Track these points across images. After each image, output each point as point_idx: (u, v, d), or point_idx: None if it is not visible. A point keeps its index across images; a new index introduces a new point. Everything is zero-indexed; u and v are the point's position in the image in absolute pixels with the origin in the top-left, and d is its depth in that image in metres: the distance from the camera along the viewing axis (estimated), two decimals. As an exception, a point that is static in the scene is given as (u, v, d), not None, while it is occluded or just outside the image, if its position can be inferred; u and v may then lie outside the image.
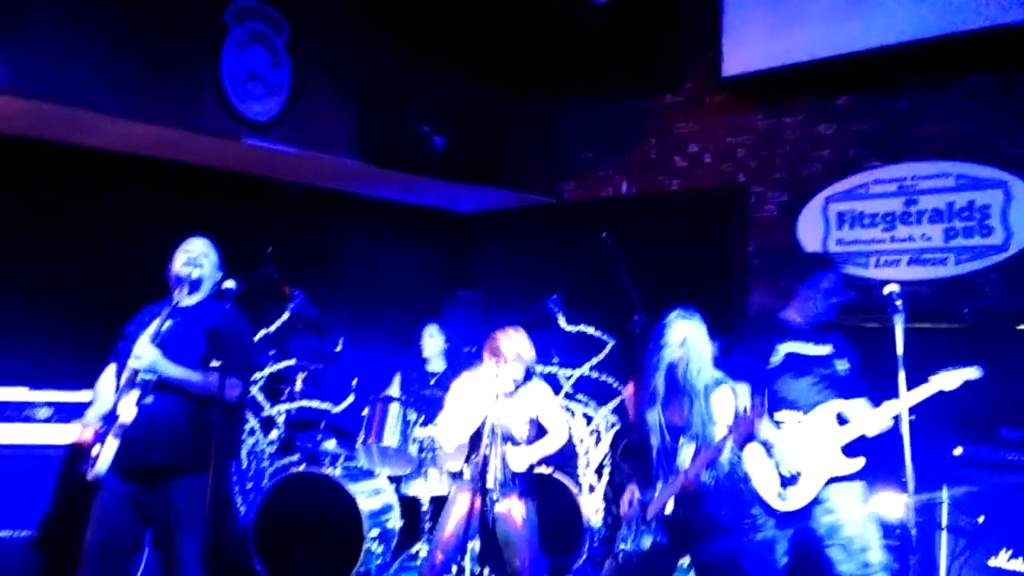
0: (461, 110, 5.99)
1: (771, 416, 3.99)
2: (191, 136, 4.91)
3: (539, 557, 4.01)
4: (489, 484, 3.82)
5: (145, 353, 3.25)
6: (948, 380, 3.77)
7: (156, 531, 3.39)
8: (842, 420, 3.92)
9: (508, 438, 3.89)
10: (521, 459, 3.90)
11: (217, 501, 3.19)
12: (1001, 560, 4.19)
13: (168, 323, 3.36)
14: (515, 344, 3.93)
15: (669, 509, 3.38)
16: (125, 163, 5.29)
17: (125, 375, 3.30)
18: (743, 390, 3.93)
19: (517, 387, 3.93)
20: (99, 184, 5.17)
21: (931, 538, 4.35)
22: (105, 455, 3.21)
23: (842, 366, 4.01)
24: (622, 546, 3.46)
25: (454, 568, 4.39)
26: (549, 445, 4.01)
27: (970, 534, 4.29)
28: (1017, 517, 4.18)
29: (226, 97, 4.91)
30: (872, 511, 3.93)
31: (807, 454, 3.85)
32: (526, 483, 3.97)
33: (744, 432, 3.32)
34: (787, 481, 3.87)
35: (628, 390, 3.87)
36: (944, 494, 4.41)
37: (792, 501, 3.81)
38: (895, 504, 4.03)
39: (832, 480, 3.86)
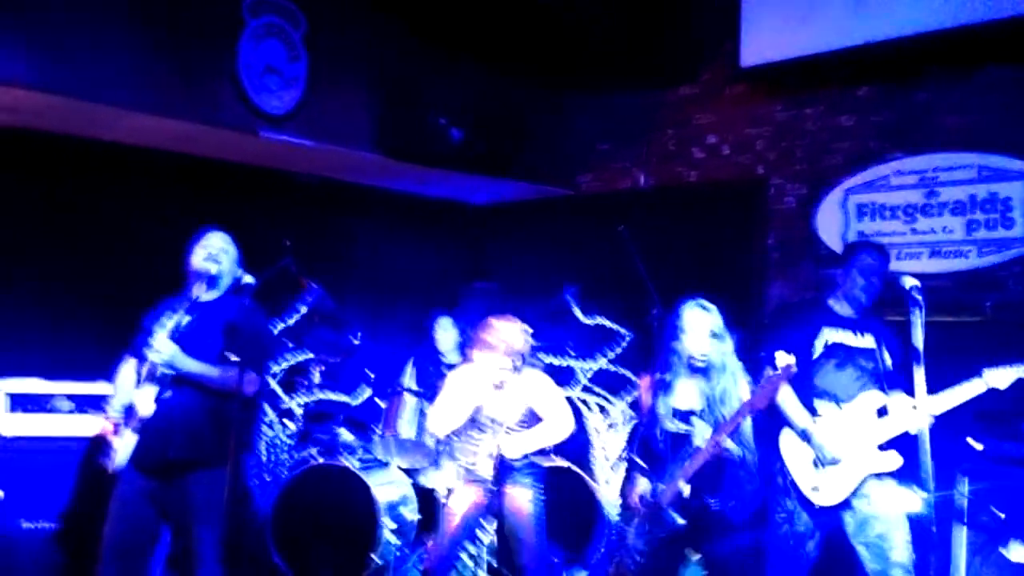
0: (477, 102, 5.97)
1: (810, 406, 3.90)
2: (208, 130, 4.93)
3: (546, 549, 4.01)
4: (487, 475, 3.84)
5: (163, 348, 3.28)
6: (1000, 377, 3.66)
7: (174, 525, 3.42)
8: (881, 414, 3.83)
9: (498, 426, 3.89)
10: (514, 448, 3.89)
11: (235, 495, 3.20)
12: (1021, 554, 4.16)
13: (187, 318, 3.38)
14: (503, 334, 3.91)
15: (687, 491, 3.36)
16: (142, 157, 5.31)
17: (144, 369, 3.32)
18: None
19: (512, 376, 3.91)
20: (116, 178, 5.20)
21: (949, 533, 4.32)
22: (123, 449, 3.25)
23: (885, 359, 3.94)
24: (630, 540, 3.45)
25: (468, 561, 4.39)
26: (545, 434, 4.00)
27: (990, 529, 4.26)
28: (1040, 513, 4.14)
29: (243, 90, 4.91)
30: (905, 510, 3.85)
31: (846, 446, 3.76)
32: (527, 474, 3.97)
33: (769, 393, 3.30)
34: (824, 472, 3.78)
35: (644, 383, 3.85)
36: (964, 489, 4.37)
37: (828, 495, 3.73)
38: (914, 500, 3.98)
39: (869, 476, 3.78)
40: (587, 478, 5.30)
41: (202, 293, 3.47)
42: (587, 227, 6.36)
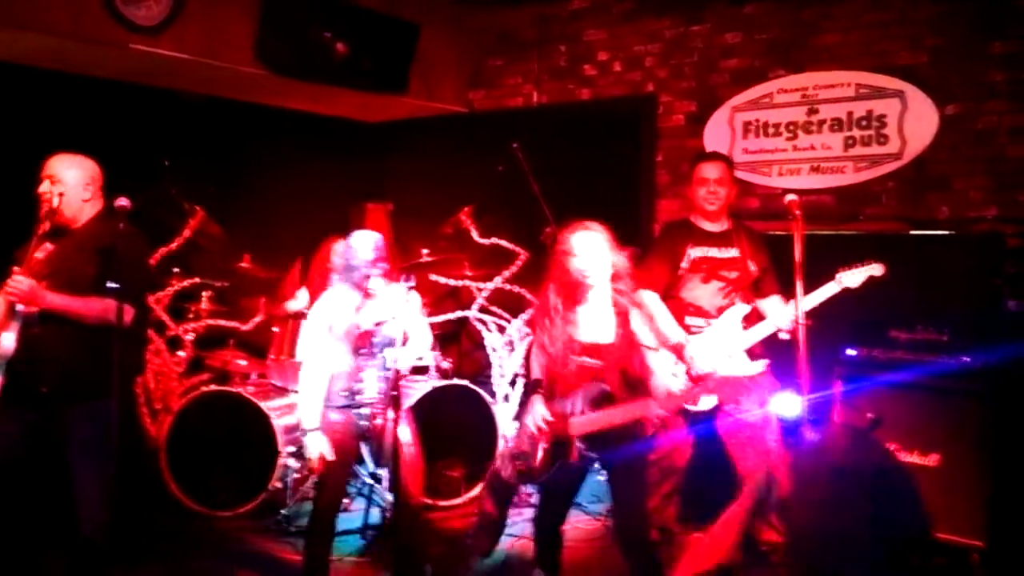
0: (365, 16, 5.75)
1: (683, 322, 4.14)
2: (74, 43, 4.60)
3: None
4: (370, 397, 3.64)
5: (19, 283, 3.08)
6: (853, 277, 3.94)
7: (60, 458, 3.29)
8: (748, 324, 4.08)
9: (387, 344, 3.68)
10: (407, 359, 3.72)
11: (123, 426, 3.10)
12: (888, 452, 4.47)
13: (48, 248, 3.19)
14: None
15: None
16: (7, 74, 4.95)
17: (7, 306, 3.13)
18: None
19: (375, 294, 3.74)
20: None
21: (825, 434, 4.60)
22: (-7, 387, 3.09)
23: (750, 269, 4.15)
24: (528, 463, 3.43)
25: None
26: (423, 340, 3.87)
27: (861, 430, 4.55)
28: (905, 413, 4.44)
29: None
30: (773, 412, 4.15)
31: (716, 356, 4.02)
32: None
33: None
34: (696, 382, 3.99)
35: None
36: (838, 392, 4.65)
37: (703, 401, 3.90)
38: (792, 403, 4.23)
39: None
40: (485, 395, 5.38)
41: (47, 225, 3.23)
42: (481, 145, 6.29)
